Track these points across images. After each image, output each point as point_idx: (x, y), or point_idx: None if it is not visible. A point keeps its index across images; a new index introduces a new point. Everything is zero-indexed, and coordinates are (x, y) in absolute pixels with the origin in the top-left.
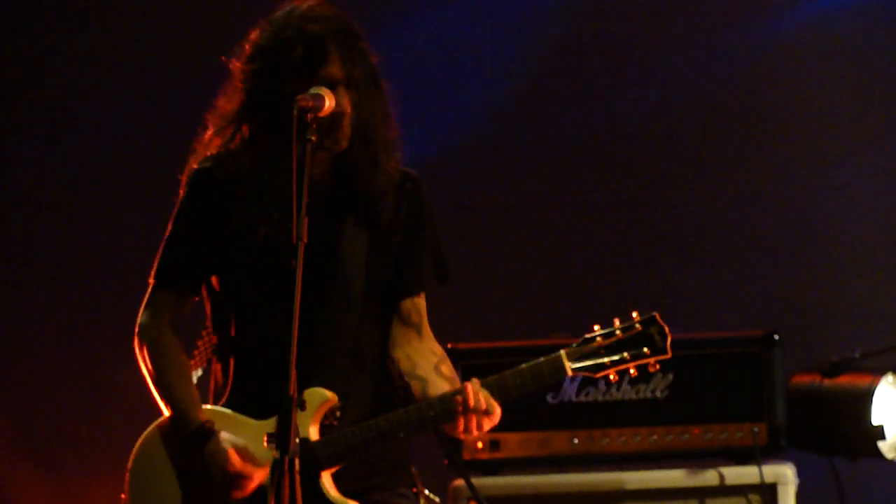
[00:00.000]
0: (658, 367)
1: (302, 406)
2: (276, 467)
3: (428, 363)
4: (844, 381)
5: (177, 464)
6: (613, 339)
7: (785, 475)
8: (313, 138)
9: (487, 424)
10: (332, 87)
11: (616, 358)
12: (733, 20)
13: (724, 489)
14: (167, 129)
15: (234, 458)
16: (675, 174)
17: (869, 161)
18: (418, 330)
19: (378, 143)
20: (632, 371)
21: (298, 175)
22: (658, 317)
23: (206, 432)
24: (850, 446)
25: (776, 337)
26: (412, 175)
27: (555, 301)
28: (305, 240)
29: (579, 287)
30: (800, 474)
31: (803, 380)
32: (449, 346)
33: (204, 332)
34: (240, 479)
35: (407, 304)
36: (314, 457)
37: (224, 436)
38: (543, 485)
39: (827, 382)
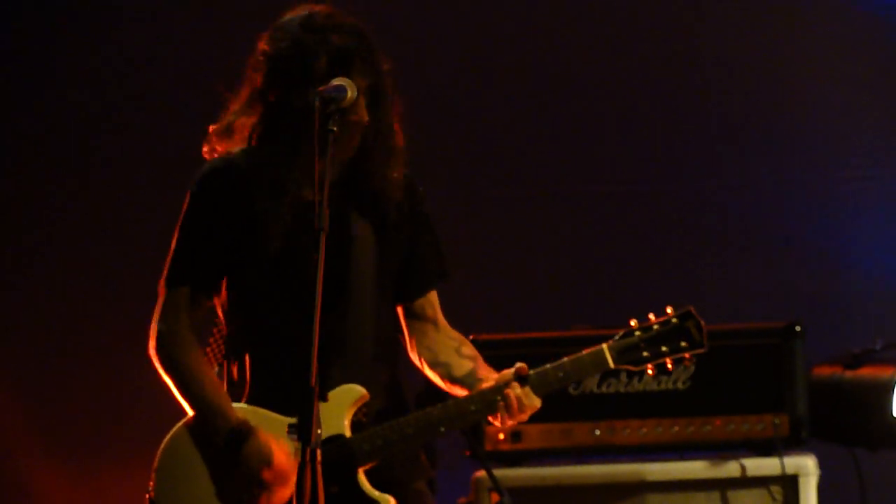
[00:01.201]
0: (694, 360)
1: (324, 398)
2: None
3: (448, 349)
4: (865, 372)
5: (209, 462)
6: (652, 333)
7: (806, 466)
8: (335, 129)
9: (528, 415)
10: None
11: (655, 351)
12: (753, 10)
13: (745, 481)
14: (176, 132)
15: (280, 456)
16: (697, 166)
17: (891, 152)
18: (434, 323)
19: (387, 152)
20: (669, 365)
21: (321, 165)
22: (693, 311)
23: (245, 431)
24: (871, 438)
25: (798, 328)
26: (408, 176)
27: (576, 292)
28: (327, 229)
29: (600, 279)
30: (821, 466)
31: (825, 371)
32: (471, 337)
33: (215, 331)
34: (285, 477)
35: (420, 301)
36: (352, 453)
37: (264, 434)
38: (565, 476)
39: (848, 374)
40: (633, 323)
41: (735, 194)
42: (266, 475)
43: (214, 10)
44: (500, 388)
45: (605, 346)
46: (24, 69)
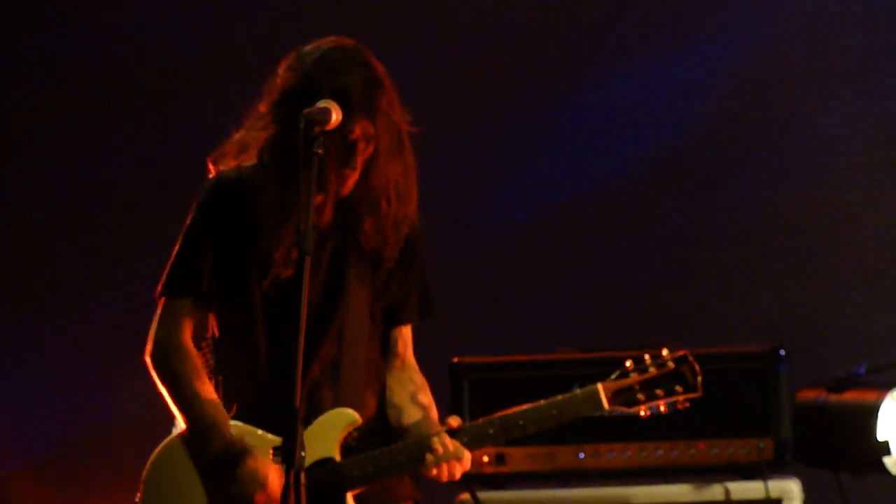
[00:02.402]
0: (688, 404)
1: (307, 421)
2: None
3: (405, 392)
4: (850, 396)
5: (199, 476)
6: (647, 376)
7: (790, 490)
8: (320, 151)
9: (459, 471)
10: (353, 143)
11: (650, 394)
12: (741, 34)
13: None
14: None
15: (273, 480)
16: (680, 190)
17: (875, 176)
18: (401, 359)
19: (385, 203)
20: (662, 408)
21: (304, 188)
22: (689, 355)
23: (241, 451)
24: (856, 462)
25: (782, 352)
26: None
27: (561, 316)
28: (311, 252)
29: (586, 302)
30: (805, 489)
31: (809, 395)
32: (455, 360)
33: (203, 345)
34: (276, 501)
35: (393, 333)
36: (341, 477)
37: (259, 456)
38: (549, 499)
39: (832, 398)
40: (627, 364)
41: (719, 218)
42: (259, 498)
43: (216, 10)
44: (426, 442)
45: (599, 385)
46: (24, 68)
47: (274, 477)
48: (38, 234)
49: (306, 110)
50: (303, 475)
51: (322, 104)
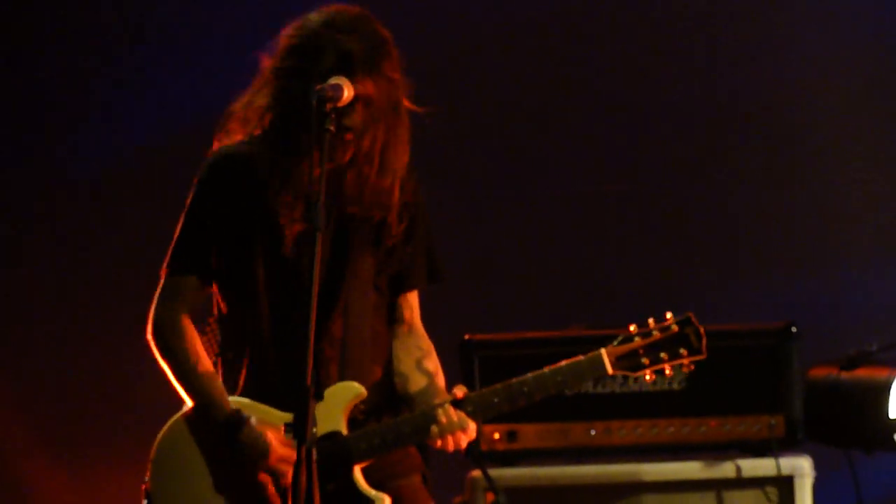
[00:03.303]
0: (693, 367)
1: (321, 395)
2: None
3: (411, 359)
4: (861, 374)
5: (206, 454)
6: (651, 340)
7: (802, 468)
8: (332, 128)
9: (464, 442)
10: (351, 102)
11: (654, 358)
12: (754, 12)
13: (740, 482)
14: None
15: (276, 444)
16: (694, 167)
17: (887, 154)
18: (408, 325)
19: (381, 167)
20: (667, 371)
21: (319, 164)
22: (693, 317)
23: (239, 420)
24: (867, 439)
25: (794, 329)
26: (413, 179)
27: (572, 292)
28: (324, 228)
29: (597, 279)
30: (816, 467)
31: (820, 373)
32: (466, 337)
33: (210, 320)
34: (283, 466)
35: (399, 300)
36: (348, 451)
37: (257, 422)
38: (560, 476)
39: (844, 375)
40: (632, 328)
41: (732, 196)
42: (263, 465)
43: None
44: (432, 414)
45: (603, 350)
46: (26, 66)
47: (276, 442)
48: (49, 212)
49: (318, 86)
50: (315, 451)
51: (334, 80)
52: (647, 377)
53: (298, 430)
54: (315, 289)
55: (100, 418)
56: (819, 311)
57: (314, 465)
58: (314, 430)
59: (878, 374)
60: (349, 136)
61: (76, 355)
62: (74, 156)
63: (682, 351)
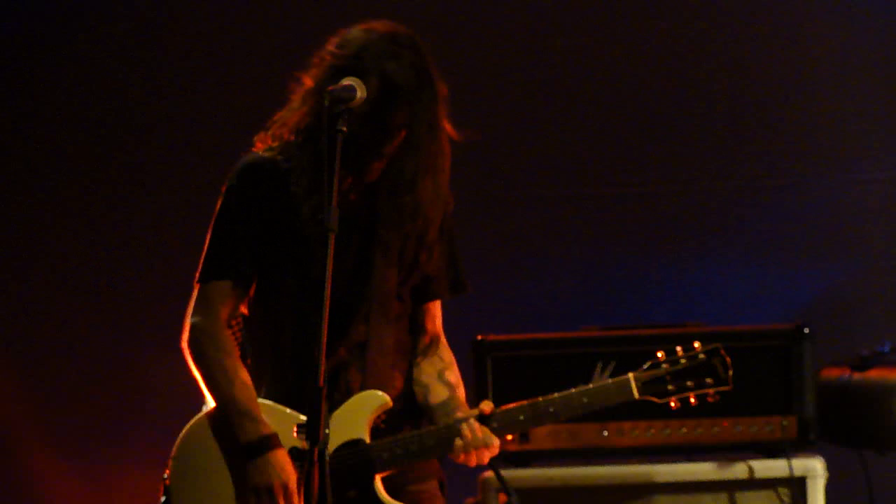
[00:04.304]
0: (718, 397)
1: (331, 398)
2: (306, 457)
3: (433, 370)
4: (874, 374)
5: (226, 455)
6: (679, 368)
7: (814, 469)
8: (344, 129)
9: (485, 455)
10: (391, 130)
11: (680, 386)
12: (757, 10)
13: (753, 482)
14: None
15: (293, 480)
16: (706, 168)
17: None
18: (430, 335)
19: (417, 195)
20: (692, 400)
21: (329, 165)
22: (721, 349)
23: (274, 444)
24: (880, 440)
25: (806, 330)
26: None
27: (585, 294)
28: (335, 230)
29: (609, 280)
30: (829, 468)
31: (833, 373)
32: (479, 337)
33: (234, 323)
34: (293, 494)
35: (422, 309)
36: (370, 460)
37: (282, 458)
38: (573, 477)
39: (856, 376)
40: (660, 355)
41: (743, 196)
42: (280, 491)
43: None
44: (457, 428)
45: (630, 375)
46: (26, 66)
47: (293, 476)
48: (72, 208)
49: (331, 87)
50: (327, 453)
51: (347, 81)
52: (672, 405)
53: (311, 430)
54: (328, 290)
55: (112, 419)
56: (831, 311)
57: (326, 467)
58: (326, 431)
59: (890, 374)
60: (381, 163)
61: (89, 355)
62: (91, 157)
63: (708, 380)
